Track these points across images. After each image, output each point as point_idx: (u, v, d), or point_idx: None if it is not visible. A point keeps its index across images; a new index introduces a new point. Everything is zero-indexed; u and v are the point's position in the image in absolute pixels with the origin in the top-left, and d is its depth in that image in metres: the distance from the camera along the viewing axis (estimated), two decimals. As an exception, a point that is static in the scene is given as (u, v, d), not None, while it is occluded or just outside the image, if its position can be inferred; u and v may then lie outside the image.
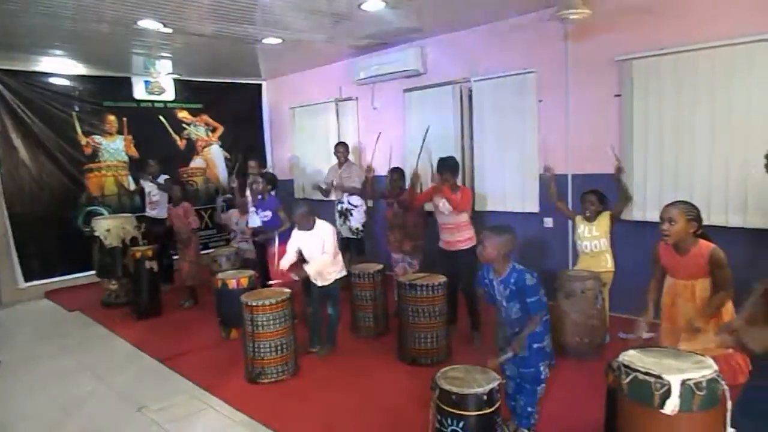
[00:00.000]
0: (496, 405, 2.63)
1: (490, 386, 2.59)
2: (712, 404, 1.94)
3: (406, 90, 6.56)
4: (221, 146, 8.64)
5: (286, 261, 4.34)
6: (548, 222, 5.48)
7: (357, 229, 5.95)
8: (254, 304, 3.91)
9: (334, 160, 6.35)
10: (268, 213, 5.28)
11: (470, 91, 5.97)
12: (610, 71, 4.92)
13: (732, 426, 1.92)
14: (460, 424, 2.56)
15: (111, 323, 5.57)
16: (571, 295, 4.01)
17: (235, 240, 6.33)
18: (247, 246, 6.08)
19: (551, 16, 4.48)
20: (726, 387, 1.96)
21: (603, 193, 4.38)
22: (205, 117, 8.43)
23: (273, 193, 5.74)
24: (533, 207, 5.54)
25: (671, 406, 1.90)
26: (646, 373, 2.00)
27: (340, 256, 4.48)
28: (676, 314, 2.94)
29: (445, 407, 2.61)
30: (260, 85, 8.98)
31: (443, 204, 4.55)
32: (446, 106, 6.13)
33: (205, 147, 8.48)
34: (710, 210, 4.33)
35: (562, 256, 5.34)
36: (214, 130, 8.55)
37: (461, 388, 2.57)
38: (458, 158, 5.92)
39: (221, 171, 8.63)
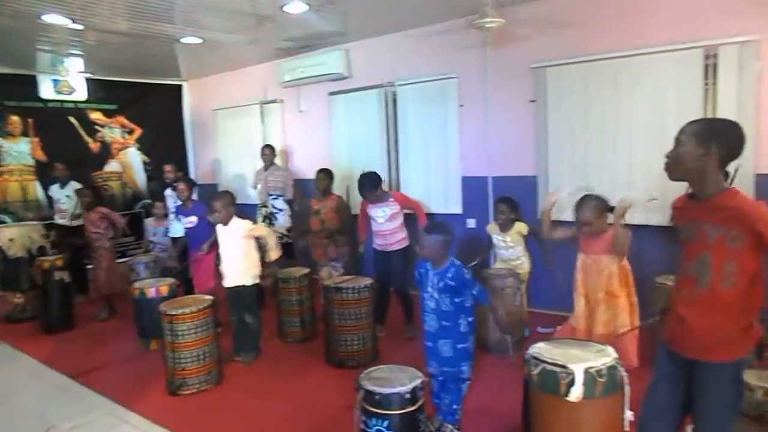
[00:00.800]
0: (419, 402, 2.68)
1: (413, 384, 2.63)
2: (612, 390, 2.09)
3: (332, 93, 6.57)
4: (139, 149, 8.25)
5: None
6: (471, 223, 5.66)
7: (281, 233, 5.87)
8: (174, 313, 3.77)
9: (260, 164, 6.25)
10: (193, 219, 5.10)
11: (395, 95, 6.06)
12: (526, 78, 5.16)
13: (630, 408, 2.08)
14: (384, 424, 2.59)
15: (16, 340, 5.17)
16: (491, 292, 4.14)
17: (154, 251, 6.07)
18: (168, 254, 5.85)
19: (469, 23, 4.63)
20: (624, 373, 2.12)
21: (514, 202, 4.55)
22: (121, 118, 8.02)
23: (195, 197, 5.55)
24: (457, 208, 5.70)
25: (576, 393, 2.03)
26: (553, 364, 2.12)
27: (256, 260, 4.32)
28: (588, 287, 3.21)
29: (369, 407, 2.63)
30: (180, 86, 8.67)
31: (377, 213, 4.64)
32: (371, 110, 6.19)
33: (121, 150, 8.06)
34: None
35: (484, 256, 5.52)
36: (131, 133, 8.16)
37: (384, 387, 2.60)
38: (384, 161, 6.05)
39: (139, 175, 8.25)
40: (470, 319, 2.97)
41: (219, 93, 8.11)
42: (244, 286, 4.26)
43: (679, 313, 1.99)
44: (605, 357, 2.17)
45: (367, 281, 4.19)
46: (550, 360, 2.15)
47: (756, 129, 4.11)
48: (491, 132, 5.45)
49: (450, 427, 2.99)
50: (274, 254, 4.30)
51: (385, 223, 4.62)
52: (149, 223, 6.16)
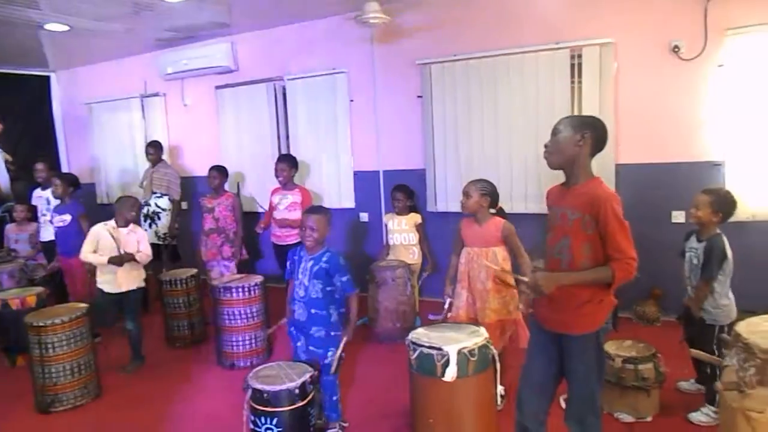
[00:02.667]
0: (309, 397, 2.67)
1: (302, 380, 2.62)
2: (483, 367, 2.22)
3: (218, 87, 6.32)
4: (1, 147, 7.41)
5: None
6: (364, 217, 5.72)
7: (165, 234, 5.57)
8: (41, 324, 3.44)
9: (144, 161, 5.89)
10: (67, 217, 4.68)
11: (284, 89, 5.97)
12: (412, 74, 5.30)
13: (501, 383, 2.22)
14: (274, 421, 2.56)
15: None
16: (382, 283, 4.24)
17: (19, 259, 5.49)
18: (36, 262, 5.34)
19: (354, 18, 4.66)
20: (495, 351, 2.25)
21: (410, 189, 4.70)
22: (-23, 113, 7.16)
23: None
24: (349, 203, 5.74)
25: (450, 373, 2.13)
26: (430, 347, 2.21)
27: (136, 264, 4.07)
28: (472, 280, 3.26)
29: (258, 406, 2.58)
30: (48, 77, 7.90)
31: (279, 199, 4.72)
32: (261, 105, 6.05)
33: (-23, 148, 7.20)
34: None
35: (378, 249, 5.61)
36: (-11, 129, 7.30)
37: (273, 385, 2.57)
38: (275, 157, 5.89)
39: (1, 176, 7.41)
40: (341, 311, 2.96)
41: (94, 85, 7.49)
42: (129, 291, 4.02)
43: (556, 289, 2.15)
44: (477, 337, 2.30)
45: (257, 279, 4.10)
46: (427, 343, 2.23)
47: (615, 123, 4.53)
48: (381, 127, 5.55)
49: (336, 424, 2.99)
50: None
51: (284, 211, 4.64)
52: (10, 229, 5.56)
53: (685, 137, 4.36)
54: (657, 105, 4.42)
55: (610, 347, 3.06)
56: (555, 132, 2.15)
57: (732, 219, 4.13)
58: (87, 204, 5.62)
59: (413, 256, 4.62)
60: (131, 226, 4.08)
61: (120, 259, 3.89)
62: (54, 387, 3.49)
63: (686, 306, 3.09)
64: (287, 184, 4.79)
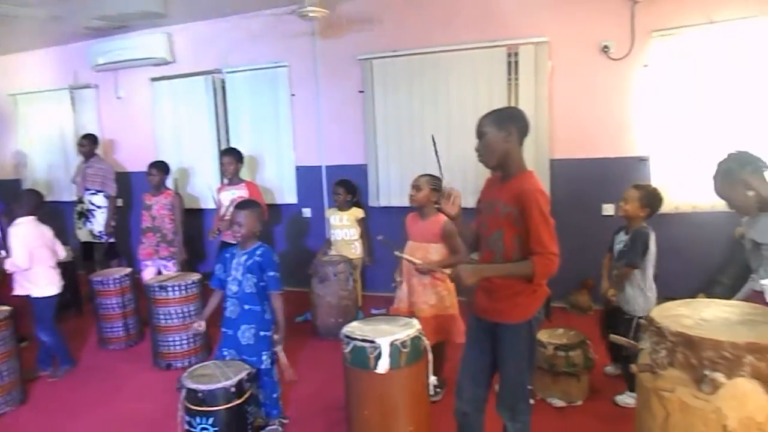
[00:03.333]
0: (247, 394, 2.64)
1: (239, 377, 2.58)
2: (416, 358, 2.26)
3: (154, 79, 6.10)
4: None
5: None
6: (306, 212, 5.68)
7: (100, 232, 5.33)
8: (-43, 329, 3.23)
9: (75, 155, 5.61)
10: None
11: (223, 82, 5.83)
12: (354, 69, 5.29)
13: (435, 374, 2.26)
14: (210, 421, 2.51)
15: None
16: (324, 279, 4.22)
17: None
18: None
19: (294, 12, 4.61)
20: (427, 342, 2.30)
21: (352, 183, 4.70)
22: None
23: None
24: (292, 198, 5.68)
25: (383, 365, 2.16)
26: (363, 340, 2.23)
27: (42, 269, 3.75)
28: (411, 273, 3.27)
29: (193, 406, 2.53)
30: (-35, 66, 7.38)
31: (225, 196, 4.61)
32: (199, 98, 5.88)
33: None
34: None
35: (320, 244, 5.58)
36: None
37: (208, 384, 2.52)
38: (215, 152, 5.80)
39: None
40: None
41: (17, 76, 7.05)
42: (33, 298, 3.73)
43: (482, 283, 2.21)
44: (410, 329, 2.33)
45: (194, 277, 3.99)
46: (360, 336, 2.25)
47: (550, 120, 4.69)
48: (323, 121, 5.51)
49: (276, 420, 2.97)
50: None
51: (231, 207, 4.46)
52: None
53: (614, 134, 4.57)
54: (588, 103, 4.60)
55: (542, 335, 3.18)
56: (481, 134, 2.18)
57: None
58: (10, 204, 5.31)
59: (355, 251, 4.63)
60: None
61: None
62: (-28, 395, 3.28)
63: (605, 298, 3.22)
64: (233, 178, 4.68)
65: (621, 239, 3.18)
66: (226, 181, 4.79)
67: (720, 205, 4.15)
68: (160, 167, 4.88)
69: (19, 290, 3.76)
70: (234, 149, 4.88)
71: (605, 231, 3.51)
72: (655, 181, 4.42)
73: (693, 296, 2.06)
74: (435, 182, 3.21)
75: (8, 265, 3.68)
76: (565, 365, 3.07)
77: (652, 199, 3.08)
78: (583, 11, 4.52)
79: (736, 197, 2.29)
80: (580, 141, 4.67)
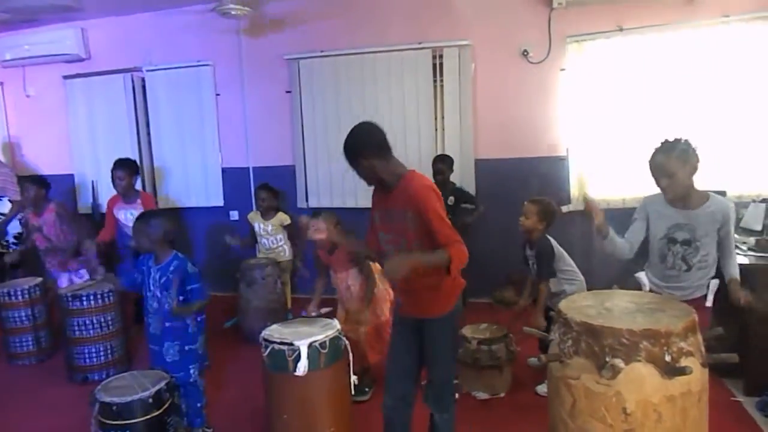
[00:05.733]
0: (166, 404, 2.54)
1: (156, 388, 2.48)
2: (335, 359, 2.26)
3: (67, 77, 5.75)
4: None
5: None
6: (234, 215, 5.54)
7: (8, 241, 4.97)
8: None
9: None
10: None
11: (143, 81, 5.59)
12: (281, 69, 5.22)
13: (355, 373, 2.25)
14: (126, 434, 2.40)
15: None
16: (252, 283, 4.14)
17: None
18: None
19: (216, 9, 4.49)
20: (347, 342, 2.30)
21: (275, 189, 4.61)
22: None
23: None
24: (218, 201, 5.53)
25: (302, 367, 2.15)
26: (281, 343, 2.20)
27: None
28: (344, 300, 3.34)
29: (107, 421, 2.40)
30: None
31: (125, 216, 4.27)
32: (117, 97, 5.60)
33: None
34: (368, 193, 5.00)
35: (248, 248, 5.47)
36: None
37: (123, 396, 2.40)
38: (135, 154, 5.53)
39: None
40: (199, 318, 2.80)
41: None
42: None
43: (400, 284, 2.24)
44: (330, 330, 2.33)
45: (110, 285, 3.78)
46: (278, 339, 2.22)
47: (473, 121, 4.82)
48: (250, 122, 5.41)
49: (200, 430, 2.88)
50: None
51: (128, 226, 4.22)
52: None
53: (535, 134, 4.75)
54: (510, 104, 4.77)
55: (467, 331, 3.26)
56: (352, 167, 2.24)
57: (574, 208, 4.60)
58: None
59: (284, 254, 4.56)
60: None
61: None
62: None
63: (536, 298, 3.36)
64: (126, 194, 4.25)
65: (529, 253, 3.29)
66: (120, 197, 4.32)
67: (630, 200, 4.47)
68: (38, 182, 4.31)
69: None
70: (127, 160, 4.35)
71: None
72: (573, 178, 4.66)
73: (609, 288, 2.17)
74: (333, 217, 3.21)
75: None
76: (489, 359, 3.16)
77: (548, 212, 3.21)
78: (505, 16, 4.68)
79: (682, 176, 2.34)
80: (503, 141, 4.82)
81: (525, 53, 4.65)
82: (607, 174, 4.60)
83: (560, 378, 1.80)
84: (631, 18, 4.35)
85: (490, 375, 3.20)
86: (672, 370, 1.65)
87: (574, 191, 4.65)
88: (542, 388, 3.19)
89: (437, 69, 4.85)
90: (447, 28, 4.76)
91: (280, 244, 4.53)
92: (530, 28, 4.63)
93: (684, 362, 1.68)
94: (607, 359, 1.68)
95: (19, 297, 4.05)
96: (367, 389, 3.18)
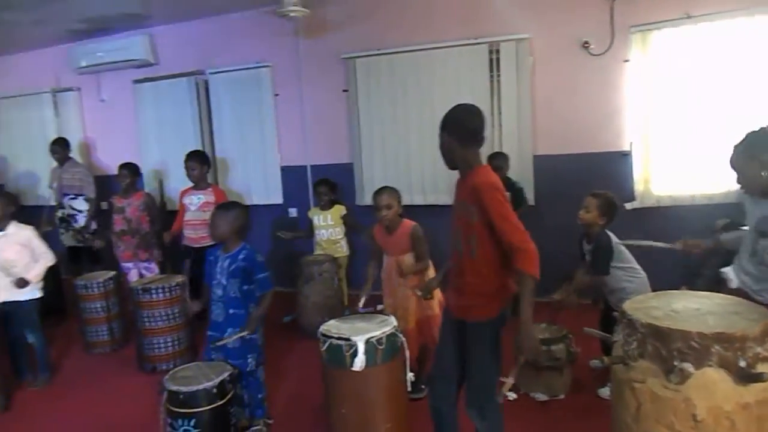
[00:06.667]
0: (229, 395, 2.64)
1: (220, 378, 2.58)
2: (392, 355, 2.27)
3: (137, 81, 6.06)
4: None
5: None
6: (293, 212, 5.67)
7: (82, 237, 5.30)
8: (-63, 336, 3.21)
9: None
10: None
11: (207, 83, 5.81)
12: (338, 68, 5.29)
13: (419, 372, 2.26)
14: (192, 422, 2.51)
15: None
16: (310, 279, 4.22)
17: None
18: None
19: (274, 11, 4.60)
20: (404, 339, 2.31)
21: (333, 182, 4.70)
22: None
23: None
24: (277, 198, 5.68)
25: (359, 363, 2.17)
26: (338, 338, 2.24)
27: (38, 271, 3.71)
28: (392, 287, 3.28)
29: (174, 408, 2.53)
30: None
31: (191, 200, 4.58)
32: (182, 100, 5.86)
33: None
34: (425, 192, 5.01)
35: (308, 245, 5.58)
36: None
37: (189, 386, 2.51)
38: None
39: None
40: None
41: None
42: (18, 301, 3.66)
43: (451, 282, 2.23)
44: (386, 326, 2.34)
45: (179, 279, 3.98)
46: (336, 335, 2.26)
47: (532, 116, 4.72)
48: (307, 121, 5.51)
49: (261, 421, 2.97)
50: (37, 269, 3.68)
51: (197, 212, 4.48)
52: None
53: (596, 129, 4.59)
54: (570, 98, 4.63)
55: (524, 330, 3.19)
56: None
57: (638, 206, 4.42)
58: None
59: (341, 249, 4.63)
60: (11, 226, 3.68)
61: None
62: (-46, 403, 3.26)
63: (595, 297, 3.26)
64: (199, 183, 4.61)
65: (587, 248, 3.19)
66: (192, 185, 4.67)
67: (700, 197, 4.25)
68: (131, 168, 4.82)
69: (2, 296, 3.68)
70: (198, 152, 4.79)
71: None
72: (637, 174, 4.47)
73: (676, 289, 2.07)
74: (398, 195, 3.21)
75: (43, 268, 3.67)
76: (548, 359, 3.09)
77: (610, 207, 3.10)
78: (563, 8, 4.54)
79: (749, 172, 2.21)
80: (562, 137, 4.69)
81: (586, 45, 4.50)
82: (674, 170, 4.38)
83: (624, 381, 1.74)
84: (699, 4, 4.12)
85: (550, 376, 3.13)
86: (747, 377, 1.56)
87: (638, 187, 4.47)
88: (604, 391, 3.09)
89: (494, 64, 4.77)
90: (504, 23, 4.67)
91: (338, 237, 4.61)
92: (591, 19, 4.48)
93: (760, 368, 1.58)
94: (676, 363, 1.61)
95: (95, 289, 4.31)
96: (423, 387, 3.17)
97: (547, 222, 4.71)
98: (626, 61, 4.42)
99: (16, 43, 6.34)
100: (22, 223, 3.77)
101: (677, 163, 4.35)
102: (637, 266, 3.14)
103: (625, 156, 4.52)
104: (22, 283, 3.57)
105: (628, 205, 4.25)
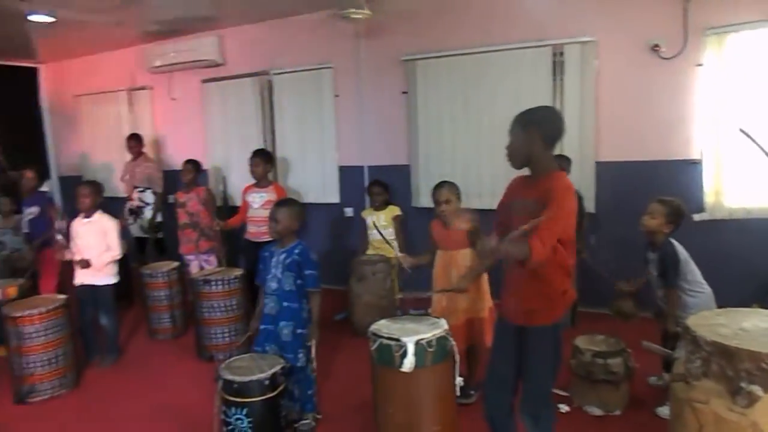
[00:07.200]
0: (280, 388, 2.70)
1: (273, 370, 2.65)
2: (442, 358, 2.26)
3: (205, 80, 6.32)
4: (-15, 139, 7.38)
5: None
6: (349, 211, 5.74)
7: (148, 228, 5.59)
8: (18, 315, 3.46)
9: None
10: (35, 209, 4.70)
11: (270, 84, 5.98)
12: (397, 70, 5.32)
13: (468, 376, 2.24)
14: (244, 411, 2.59)
15: None
16: (363, 278, 4.26)
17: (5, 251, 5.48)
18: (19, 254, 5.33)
19: (337, 14, 4.68)
20: (454, 342, 2.29)
21: (385, 183, 4.73)
22: (-39, 104, 7.12)
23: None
24: (334, 198, 5.76)
25: (408, 364, 2.17)
26: (389, 338, 2.25)
27: (104, 260, 3.97)
28: (446, 282, 3.23)
29: (229, 397, 2.61)
30: (36, 69, 7.87)
31: (254, 198, 4.68)
32: (247, 99, 6.06)
33: (-38, 140, 7.16)
34: (482, 195, 4.95)
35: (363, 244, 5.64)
36: (-26, 120, 7.26)
37: (243, 376, 2.59)
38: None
39: (-13, 168, 7.39)
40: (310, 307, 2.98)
41: (82, 78, 7.48)
42: (96, 286, 3.96)
43: (508, 285, 2.19)
44: (437, 329, 2.33)
45: (237, 272, 4.12)
46: (386, 335, 2.27)
47: (596, 121, 4.57)
48: (366, 122, 5.57)
49: (310, 415, 3.03)
50: (104, 257, 3.93)
51: (260, 209, 4.61)
52: (-4, 221, 5.57)
53: (664, 135, 4.39)
54: (637, 103, 4.45)
55: (581, 342, 3.11)
56: (510, 133, 2.20)
57: (708, 217, 4.20)
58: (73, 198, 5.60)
59: (394, 250, 4.64)
60: (96, 215, 3.97)
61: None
62: (31, 377, 3.51)
63: (657, 310, 3.12)
64: (261, 180, 4.72)
65: (651, 257, 3.05)
66: (254, 182, 4.80)
67: (778, 210, 3.99)
68: (194, 164, 5.02)
69: (81, 279, 3.97)
70: (263, 151, 4.93)
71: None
72: (708, 185, 4.25)
73: (746, 306, 1.95)
74: (458, 191, 3.19)
75: (109, 258, 3.92)
76: (603, 373, 2.98)
77: (677, 215, 2.95)
78: (632, 9, 4.37)
79: None
80: (627, 143, 4.52)
81: (655, 48, 4.31)
82: (748, 181, 4.12)
83: (685, 400, 1.66)
84: (783, 6, 3.87)
85: (605, 390, 3.02)
86: (822, 404, 1.46)
87: (708, 198, 4.24)
88: (663, 410, 2.95)
89: (557, 67, 4.65)
90: (569, 25, 4.54)
91: (390, 238, 4.63)
92: (662, 21, 4.28)
93: (839, 396, 1.47)
94: (743, 385, 1.52)
95: (160, 278, 4.53)
96: (472, 392, 3.15)
97: (607, 231, 4.56)
98: (699, 65, 4.21)
99: (98, 45, 6.76)
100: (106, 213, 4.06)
101: (753, 174, 4.10)
102: (703, 281, 2.99)
103: (694, 165, 4.30)
104: (84, 264, 3.83)
105: (697, 217, 4.04)
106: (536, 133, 2.12)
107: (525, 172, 2.28)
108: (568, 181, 2.14)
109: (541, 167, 2.15)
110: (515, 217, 2.18)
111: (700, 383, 1.63)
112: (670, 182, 4.28)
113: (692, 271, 2.97)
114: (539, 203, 2.05)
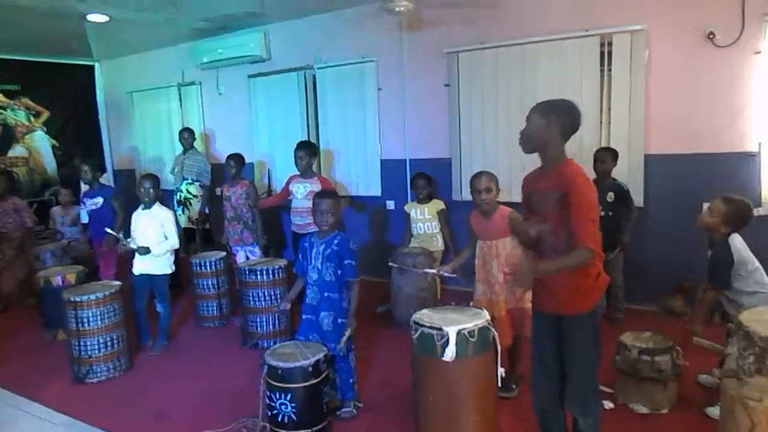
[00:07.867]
0: (323, 375, 2.77)
1: (316, 358, 2.71)
2: (483, 349, 2.26)
3: (251, 76, 6.46)
4: (47, 133, 7.79)
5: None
6: (390, 204, 5.77)
7: (197, 219, 5.77)
8: (77, 299, 3.64)
9: (179, 147, 6.13)
10: (99, 200, 4.91)
11: (314, 78, 6.05)
12: (440, 62, 5.29)
13: (510, 369, 2.25)
14: (288, 397, 2.67)
15: None
16: (404, 270, 4.27)
17: (64, 239, 5.78)
18: (79, 242, 5.62)
19: (380, 7, 4.69)
20: (496, 333, 2.28)
21: (429, 176, 4.73)
22: (26, 100, 7.52)
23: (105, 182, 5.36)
24: (376, 191, 5.80)
25: (449, 353, 2.18)
26: (430, 327, 2.26)
27: (162, 248, 4.12)
28: (487, 273, 3.21)
29: (273, 382, 2.69)
30: (93, 66, 8.23)
31: (298, 188, 4.75)
32: (291, 93, 6.16)
33: (26, 134, 7.58)
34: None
35: (402, 236, 5.65)
36: (37, 116, 7.67)
37: (287, 362, 2.66)
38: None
39: (48, 160, 7.80)
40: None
41: (135, 75, 7.77)
42: (154, 275, 4.13)
43: (541, 276, 2.18)
44: (479, 319, 2.33)
45: (282, 262, 4.21)
46: (428, 324, 2.29)
47: (645, 113, 4.43)
48: (409, 115, 5.57)
49: (351, 403, 3.08)
50: (163, 245, 4.09)
51: (303, 200, 4.68)
52: (56, 211, 5.88)
53: (719, 127, 4.23)
54: (689, 94, 4.29)
55: (627, 338, 3.04)
56: (527, 119, 2.22)
57: (765, 213, 4.02)
58: (127, 189, 5.86)
59: (437, 243, 4.66)
60: (155, 206, 4.14)
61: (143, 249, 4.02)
62: (89, 359, 3.69)
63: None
64: (306, 172, 4.77)
65: (710, 254, 2.95)
66: (298, 173, 4.86)
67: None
68: (237, 159, 5.07)
69: (140, 268, 4.14)
70: (308, 143, 5.01)
71: (705, 233, 3.24)
72: (766, 179, 4.07)
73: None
74: (495, 177, 3.17)
75: (168, 247, 4.10)
76: (650, 370, 2.91)
77: (740, 217, 2.83)
78: (687, -5, 4.22)
79: None
80: (679, 135, 4.37)
81: (710, 36, 4.14)
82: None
83: (737, 398, 1.61)
84: None
85: (652, 388, 2.94)
86: None
87: (766, 192, 4.06)
88: (713, 411, 2.84)
89: (605, 57, 4.54)
90: (617, 13, 4.41)
91: (434, 231, 4.64)
92: (717, 7, 4.10)
93: None
94: (799, 382, 1.47)
95: (207, 268, 4.68)
96: (514, 386, 3.13)
97: (657, 225, 4.43)
98: (758, 53, 4.02)
99: (149, 42, 7.01)
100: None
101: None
102: (765, 281, 2.86)
103: (752, 157, 4.12)
104: (143, 250, 3.99)
105: (755, 211, 3.87)
106: (555, 122, 2.14)
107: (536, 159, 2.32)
108: (579, 167, 2.17)
109: (554, 156, 2.19)
110: (542, 212, 2.20)
111: (754, 380, 1.58)
112: (724, 176, 4.13)
113: (749, 270, 2.84)
114: (556, 191, 2.10)
